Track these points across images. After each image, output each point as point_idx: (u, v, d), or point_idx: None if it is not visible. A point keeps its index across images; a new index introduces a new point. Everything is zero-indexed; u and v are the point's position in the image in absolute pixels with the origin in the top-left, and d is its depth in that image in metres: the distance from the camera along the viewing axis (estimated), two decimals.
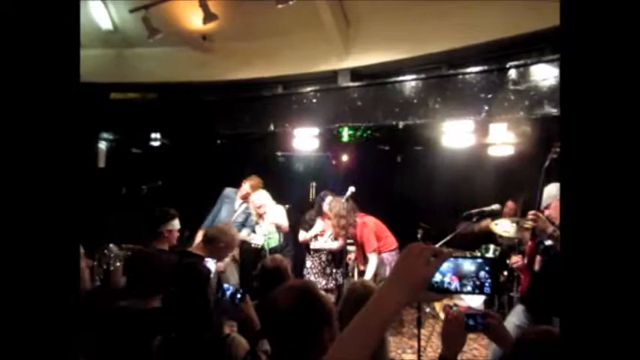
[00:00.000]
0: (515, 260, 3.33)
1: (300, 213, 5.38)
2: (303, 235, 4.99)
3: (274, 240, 4.76)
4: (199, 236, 4.23)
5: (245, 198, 5.05)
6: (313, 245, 4.88)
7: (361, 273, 4.80)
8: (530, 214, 2.92)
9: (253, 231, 4.91)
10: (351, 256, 5.02)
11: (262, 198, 4.78)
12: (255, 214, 4.84)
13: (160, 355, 1.95)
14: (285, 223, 4.86)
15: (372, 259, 4.55)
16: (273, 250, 4.66)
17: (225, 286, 2.16)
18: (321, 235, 4.91)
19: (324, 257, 4.88)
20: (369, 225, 4.67)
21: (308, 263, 4.93)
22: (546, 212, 3.17)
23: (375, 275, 4.51)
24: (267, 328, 1.45)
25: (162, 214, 3.27)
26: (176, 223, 3.30)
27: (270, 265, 2.70)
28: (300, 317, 1.37)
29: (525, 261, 3.17)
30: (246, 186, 5.07)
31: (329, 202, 4.73)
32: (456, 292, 1.00)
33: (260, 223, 4.83)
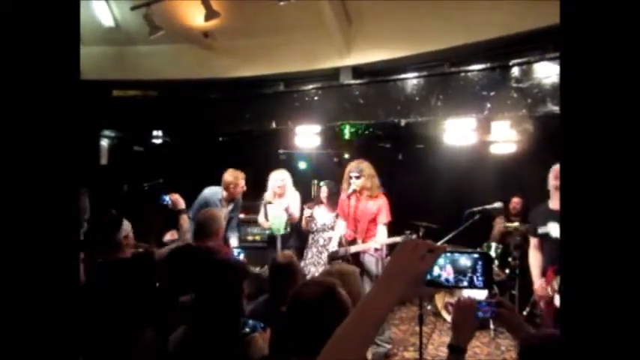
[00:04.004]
0: (540, 296, 3.41)
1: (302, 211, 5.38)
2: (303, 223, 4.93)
3: (283, 225, 4.69)
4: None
5: (234, 196, 4.71)
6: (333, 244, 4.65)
7: (357, 260, 4.58)
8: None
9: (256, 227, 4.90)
10: (333, 243, 4.63)
11: (286, 177, 4.78)
12: (275, 192, 4.76)
13: (177, 345, 1.96)
14: (296, 212, 4.77)
15: (383, 230, 4.33)
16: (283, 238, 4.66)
17: (251, 322, 2.16)
18: (310, 219, 4.84)
19: (321, 241, 4.80)
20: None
21: (309, 254, 4.88)
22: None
23: (362, 271, 4.36)
24: (289, 320, 1.47)
25: (114, 221, 2.87)
26: (127, 227, 2.93)
27: (282, 261, 2.70)
28: (322, 312, 1.39)
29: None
30: (241, 182, 4.69)
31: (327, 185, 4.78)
32: (452, 286, 1.00)
33: (274, 202, 4.74)
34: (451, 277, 0.98)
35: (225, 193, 4.65)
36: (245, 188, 4.77)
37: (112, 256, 2.76)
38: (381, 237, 4.29)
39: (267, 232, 5.07)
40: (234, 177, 4.61)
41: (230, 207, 4.74)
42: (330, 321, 1.36)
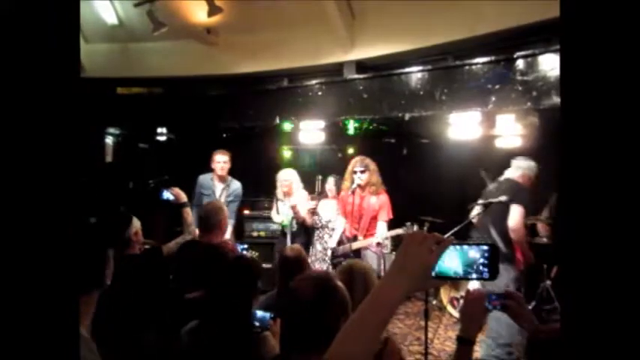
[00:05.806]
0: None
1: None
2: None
3: (292, 221, 4.77)
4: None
5: (218, 173, 4.85)
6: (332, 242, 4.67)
7: (359, 257, 4.58)
8: None
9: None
10: (333, 240, 4.67)
11: (291, 175, 4.86)
12: (283, 191, 4.87)
13: (189, 341, 1.97)
14: (302, 211, 4.75)
15: (384, 227, 4.34)
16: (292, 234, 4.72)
17: (259, 313, 2.16)
18: (314, 212, 4.84)
19: (326, 237, 4.80)
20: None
21: (314, 251, 4.87)
22: None
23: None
24: (286, 317, 1.46)
25: (124, 218, 2.90)
26: (137, 223, 2.93)
27: (290, 255, 2.69)
28: (319, 307, 1.37)
29: None
30: (224, 157, 4.80)
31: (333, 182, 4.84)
32: (460, 278, 1.00)
33: (284, 201, 4.84)
34: (460, 269, 0.98)
35: (214, 173, 4.90)
36: (226, 167, 4.85)
37: (122, 253, 2.79)
38: (381, 233, 4.29)
39: (272, 227, 5.16)
40: (213, 154, 4.85)
41: (222, 187, 4.89)
42: (328, 315, 1.36)
